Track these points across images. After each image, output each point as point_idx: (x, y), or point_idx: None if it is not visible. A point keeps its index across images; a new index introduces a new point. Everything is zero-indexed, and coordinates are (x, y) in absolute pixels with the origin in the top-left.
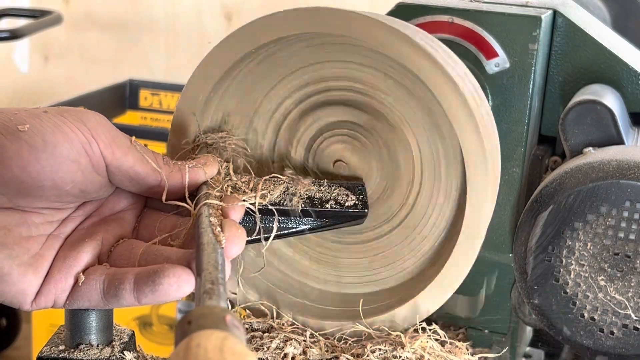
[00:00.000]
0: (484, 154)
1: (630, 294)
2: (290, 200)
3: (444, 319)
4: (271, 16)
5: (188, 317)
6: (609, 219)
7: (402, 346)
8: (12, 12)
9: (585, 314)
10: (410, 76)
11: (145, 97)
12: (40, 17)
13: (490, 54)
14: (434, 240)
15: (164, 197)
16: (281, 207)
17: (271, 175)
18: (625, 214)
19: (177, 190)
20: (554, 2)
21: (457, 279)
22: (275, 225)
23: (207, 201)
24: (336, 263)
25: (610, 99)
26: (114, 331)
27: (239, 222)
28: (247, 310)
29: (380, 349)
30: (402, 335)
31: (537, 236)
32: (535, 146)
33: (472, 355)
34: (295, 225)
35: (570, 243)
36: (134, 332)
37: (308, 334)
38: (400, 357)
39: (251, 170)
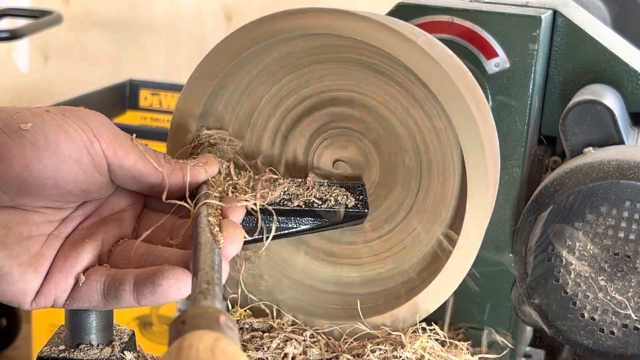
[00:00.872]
0: (484, 154)
1: (630, 294)
2: (290, 201)
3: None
4: (272, 16)
5: (182, 317)
6: (609, 219)
7: (403, 346)
8: (12, 12)
9: (585, 314)
10: (411, 77)
11: (145, 97)
12: (40, 17)
13: (490, 54)
14: (434, 240)
15: (164, 196)
16: (281, 208)
17: (271, 176)
18: (625, 214)
19: (178, 189)
20: (554, 2)
21: (457, 278)
22: (274, 226)
23: (206, 201)
24: (336, 263)
25: (610, 99)
26: (114, 331)
27: (240, 223)
28: (248, 310)
29: (380, 349)
30: (402, 335)
31: (537, 236)
32: (535, 146)
33: (472, 355)
34: (295, 225)
35: (570, 243)
36: (134, 332)
37: (308, 334)
38: (400, 357)
39: (251, 171)
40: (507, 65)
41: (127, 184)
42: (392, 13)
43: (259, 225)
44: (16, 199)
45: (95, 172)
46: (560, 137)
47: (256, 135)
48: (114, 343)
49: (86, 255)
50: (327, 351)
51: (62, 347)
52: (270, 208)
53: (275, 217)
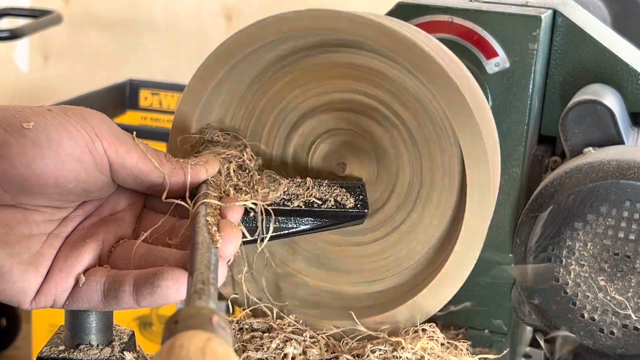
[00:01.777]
0: (484, 154)
1: (630, 294)
2: (290, 201)
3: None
4: (273, 17)
5: (175, 317)
6: (609, 219)
7: (402, 347)
8: (12, 12)
9: (585, 314)
10: (411, 77)
11: (145, 97)
12: (40, 17)
13: (490, 54)
14: (435, 241)
15: (164, 195)
16: (281, 208)
17: (272, 176)
18: (625, 214)
19: (179, 188)
20: (554, 2)
21: (458, 280)
22: (272, 226)
23: (205, 200)
24: (337, 262)
25: (610, 99)
26: (114, 331)
27: (240, 223)
28: (248, 311)
29: (380, 349)
30: (402, 340)
31: (537, 236)
32: (535, 146)
33: (473, 355)
34: (295, 226)
35: (570, 243)
36: (134, 332)
37: (308, 334)
38: (400, 357)
39: (252, 171)
40: (507, 65)
41: (128, 183)
42: (392, 13)
43: (260, 226)
44: (17, 197)
45: (97, 171)
46: (560, 137)
47: (257, 135)
48: (113, 343)
49: (87, 256)
50: (327, 351)
51: (62, 348)
52: (270, 208)
53: (274, 217)
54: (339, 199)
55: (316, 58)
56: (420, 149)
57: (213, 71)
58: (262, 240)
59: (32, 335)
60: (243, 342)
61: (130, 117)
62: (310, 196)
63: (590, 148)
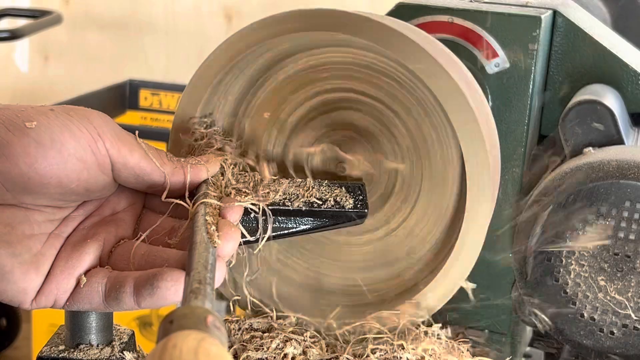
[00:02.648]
0: (485, 154)
1: (630, 294)
2: (290, 201)
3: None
4: (272, 17)
5: (170, 316)
6: (609, 219)
7: (403, 347)
8: (12, 12)
9: (585, 314)
10: (413, 79)
11: (145, 97)
12: (40, 17)
13: (490, 54)
14: (435, 240)
15: (164, 195)
16: (282, 208)
17: (272, 176)
18: (625, 214)
19: (180, 188)
20: (554, 2)
21: (459, 280)
22: (269, 226)
23: (204, 200)
24: (337, 261)
25: (610, 99)
26: (113, 331)
27: (240, 223)
28: (248, 311)
29: (380, 349)
30: (402, 335)
31: (537, 236)
32: (535, 146)
33: (473, 355)
34: (295, 226)
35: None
36: (133, 332)
37: (308, 334)
38: (400, 357)
39: (252, 171)
40: (507, 65)
41: (129, 183)
42: (392, 13)
43: (260, 226)
44: (19, 197)
45: (99, 171)
46: (560, 137)
47: (257, 135)
48: (113, 343)
49: (88, 256)
50: (327, 351)
51: (62, 347)
52: (270, 208)
53: (273, 217)
54: (338, 199)
55: (316, 57)
56: (419, 148)
57: (213, 71)
58: (261, 240)
59: (32, 335)
60: (243, 341)
61: (130, 117)
62: (310, 196)
63: (590, 148)
